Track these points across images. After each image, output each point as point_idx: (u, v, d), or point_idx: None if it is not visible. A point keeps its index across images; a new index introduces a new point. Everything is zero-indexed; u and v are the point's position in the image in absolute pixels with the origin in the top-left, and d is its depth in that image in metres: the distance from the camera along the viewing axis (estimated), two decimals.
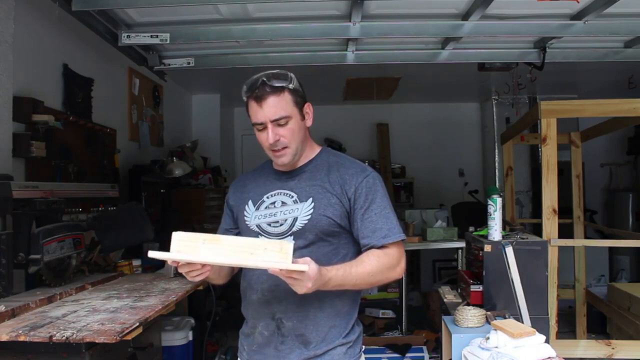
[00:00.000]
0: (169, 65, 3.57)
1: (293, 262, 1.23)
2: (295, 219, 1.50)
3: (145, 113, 4.54)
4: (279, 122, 1.48)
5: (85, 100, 3.43)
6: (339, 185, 1.52)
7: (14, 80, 2.53)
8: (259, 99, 1.47)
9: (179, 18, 3.00)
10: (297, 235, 1.50)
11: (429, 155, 6.88)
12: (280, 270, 1.24)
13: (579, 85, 5.87)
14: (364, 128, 6.98)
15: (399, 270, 1.51)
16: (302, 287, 1.29)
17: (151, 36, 3.02)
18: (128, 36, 3.03)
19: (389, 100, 6.43)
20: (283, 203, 1.54)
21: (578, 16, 2.91)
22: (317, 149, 1.64)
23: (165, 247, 1.26)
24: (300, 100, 1.53)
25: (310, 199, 1.51)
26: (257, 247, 1.24)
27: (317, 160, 1.60)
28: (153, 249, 1.29)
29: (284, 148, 1.51)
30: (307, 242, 1.50)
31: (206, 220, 4.68)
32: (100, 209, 3.19)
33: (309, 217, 1.49)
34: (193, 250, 1.24)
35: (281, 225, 1.52)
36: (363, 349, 1.61)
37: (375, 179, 1.55)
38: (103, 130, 3.64)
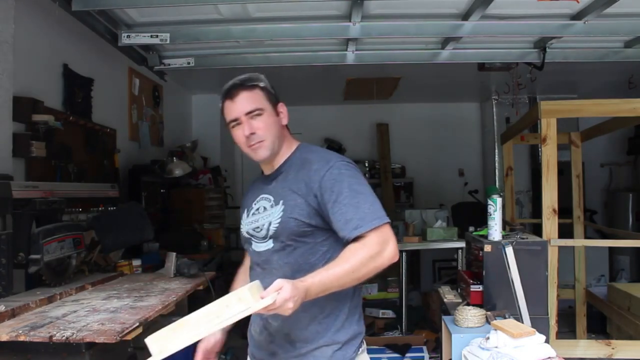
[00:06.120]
0: (169, 65, 3.58)
1: (262, 297, 1.21)
2: (270, 223, 1.52)
3: (145, 113, 4.54)
4: (252, 114, 1.52)
5: (85, 100, 3.43)
6: (303, 184, 1.49)
7: (14, 80, 2.53)
8: (232, 96, 1.53)
9: (179, 18, 3.00)
10: (274, 239, 1.52)
11: (429, 155, 6.87)
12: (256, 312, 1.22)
13: (579, 85, 5.86)
14: (364, 128, 6.97)
15: (387, 255, 1.39)
16: (286, 310, 1.23)
17: (151, 36, 3.03)
18: (128, 36, 3.03)
19: (389, 100, 6.42)
20: (264, 208, 1.56)
21: (578, 16, 2.91)
22: (294, 146, 1.62)
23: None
24: (272, 98, 1.57)
25: (281, 201, 1.52)
26: (229, 301, 1.21)
27: (291, 159, 1.59)
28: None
29: (259, 142, 1.52)
30: (283, 244, 1.51)
31: (206, 220, 4.67)
32: (100, 209, 3.19)
33: (280, 220, 1.50)
34: (173, 342, 1.24)
35: (261, 230, 1.54)
36: (361, 351, 1.56)
37: (340, 169, 1.48)
38: (103, 130, 3.64)
